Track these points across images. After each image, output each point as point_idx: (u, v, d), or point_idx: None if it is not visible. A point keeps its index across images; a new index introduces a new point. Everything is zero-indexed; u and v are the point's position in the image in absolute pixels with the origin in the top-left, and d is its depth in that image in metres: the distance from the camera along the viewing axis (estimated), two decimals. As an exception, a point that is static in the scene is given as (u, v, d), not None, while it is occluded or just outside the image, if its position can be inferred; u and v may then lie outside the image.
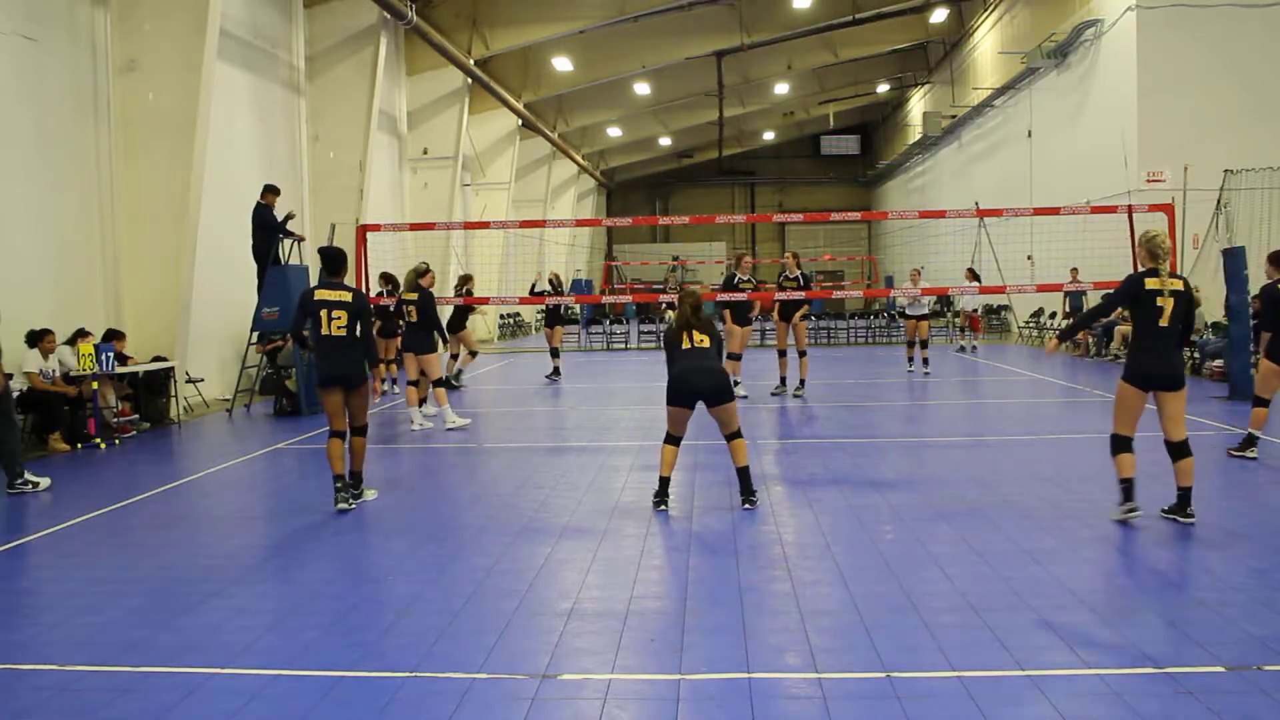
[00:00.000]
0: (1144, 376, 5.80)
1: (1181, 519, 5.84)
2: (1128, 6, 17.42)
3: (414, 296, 10.47)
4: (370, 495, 7.06)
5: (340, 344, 6.68)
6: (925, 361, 15.19)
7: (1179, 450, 5.86)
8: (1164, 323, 5.71)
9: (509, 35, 22.97)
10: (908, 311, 15.63)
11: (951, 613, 4.42)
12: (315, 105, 17.53)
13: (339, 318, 6.66)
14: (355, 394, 6.73)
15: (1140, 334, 5.82)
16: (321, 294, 6.73)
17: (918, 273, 16.56)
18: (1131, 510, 5.79)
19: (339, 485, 6.70)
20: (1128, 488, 5.81)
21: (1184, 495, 5.88)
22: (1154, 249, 5.78)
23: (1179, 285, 5.77)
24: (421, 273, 10.66)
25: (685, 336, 6.55)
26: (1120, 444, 5.86)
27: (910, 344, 15.62)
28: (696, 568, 5.23)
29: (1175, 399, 5.83)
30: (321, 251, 7.14)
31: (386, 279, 13.25)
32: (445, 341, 11.13)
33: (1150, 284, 5.73)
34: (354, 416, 6.83)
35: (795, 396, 12.38)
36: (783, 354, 12.84)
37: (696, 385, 6.37)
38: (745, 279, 12.10)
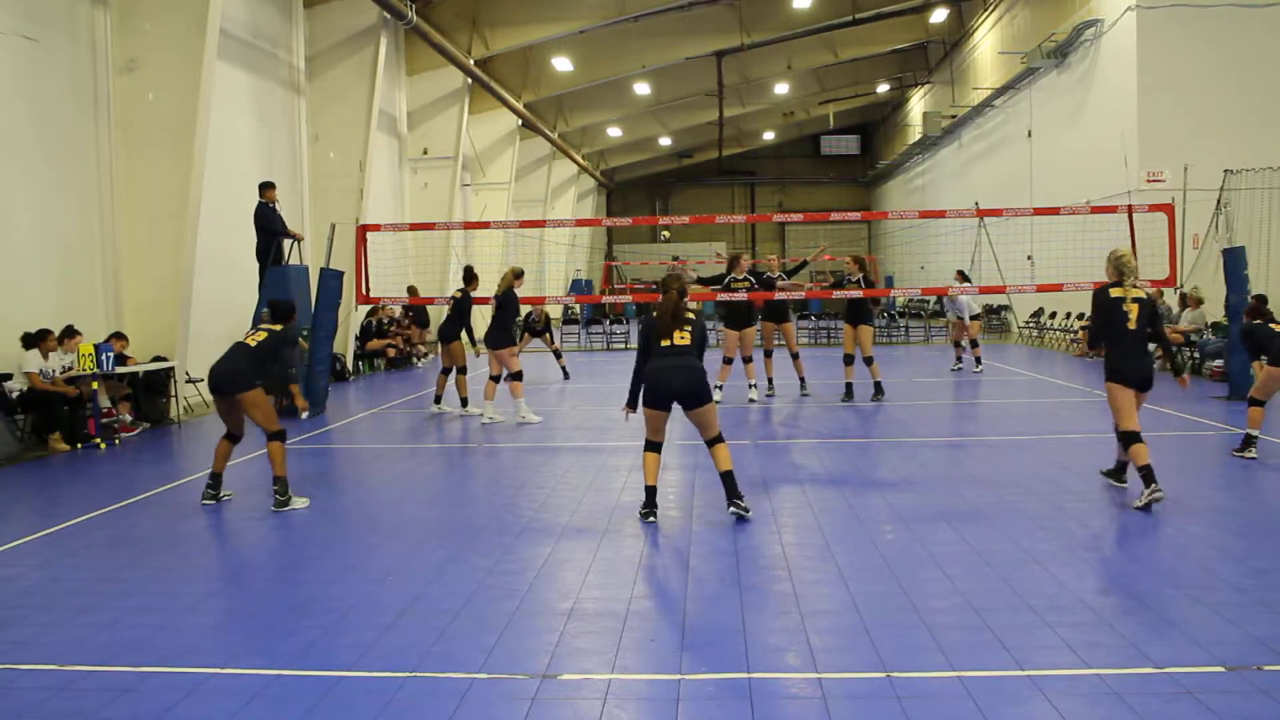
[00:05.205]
0: (1125, 373, 6.45)
1: (1117, 484, 6.83)
2: (1128, 6, 17.42)
3: (499, 294, 10.92)
4: (299, 504, 6.88)
5: (241, 351, 7.01)
6: (978, 360, 15.39)
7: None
8: (1132, 326, 6.44)
9: (509, 35, 22.95)
10: (953, 314, 15.72)
11: (951, 613, 4.42)
12: (315, 105, 17.51)
13: (259, 335, 7.11)
14: (242, 403, 6.87)
15: (1115, 337, 6.52)
16: (262, 325, 7.38)
17: (961, 274, 16.44)
18: (1155, 493, 6.14)
19: (209, 481, 7.10)
20: (1148, 473, 6.20)
21: (1122, 465, 6.84)
22: (1120, 266, 6.58)
23: (1141, 294, 6.54)
24: (517, 274, 11.13)
25: (665, 330, 6.17)
26: (1130, 437, 6.38)
27: (958, 344, 15.94)
28: (696, 568, 5.24)
29: (1143, 397, 6.55)
30: (270, 303, 7.71)
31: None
32: (513, 342, 11.35)
33: (1115, 292, 6.52)
34: (260, 425, 6.96)
35: (803, 396, 12.38)
36: (769, 354, 12.76)
37: (672, 385, 6.05)
38: (741, 279, 11.75)
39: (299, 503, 6.92)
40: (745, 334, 11.89)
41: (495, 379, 11.05)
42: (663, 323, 6.21)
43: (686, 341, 6.19)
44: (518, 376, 10.89)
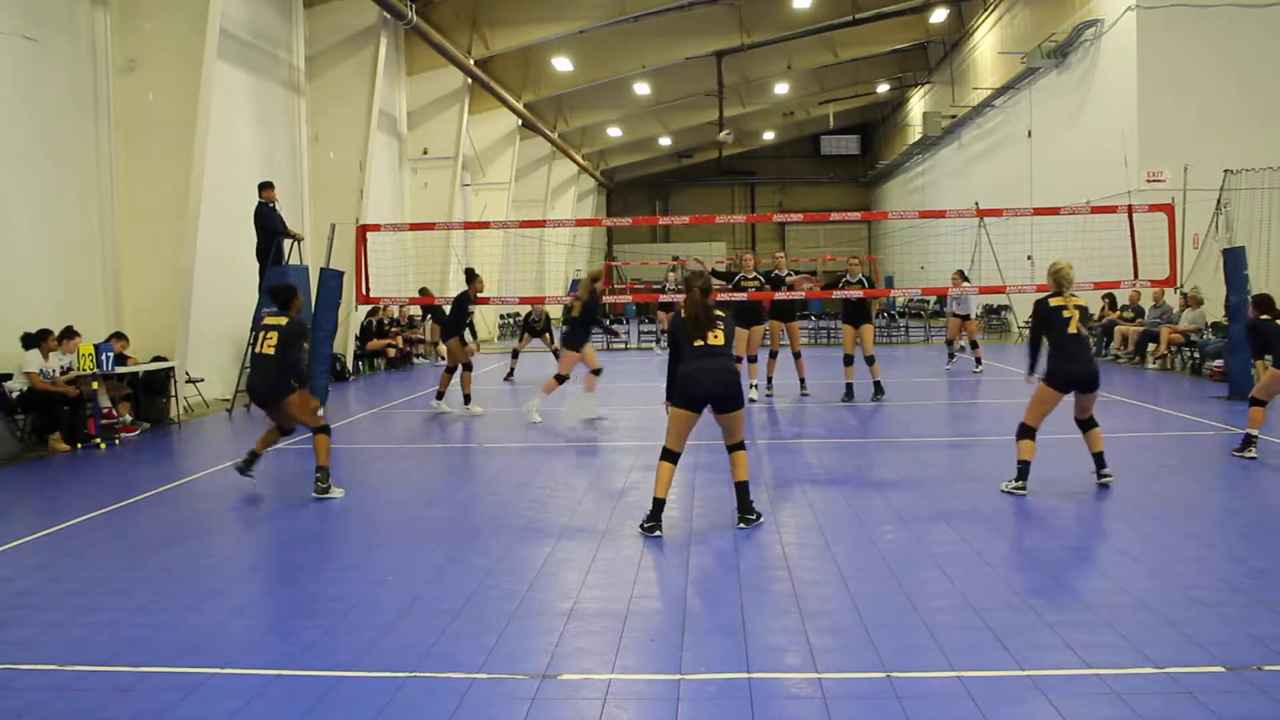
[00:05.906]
0: (1064, 378, 6.73)
1: (1107, 479, 6.88)
2: (1128, 6, 17.42)
3: (586, 300, 10.98)
4: (338, 493, 7.16)
5: (266, 363, 7.16)
6: (978, 361, 15.46)
7: (1088, 424, 6.96)
8: (1073, 330, 6.73)
9: (509, 35, 22.95)
10: (957, 311, 15.90)
11: (951, 613, 4.42)
12: (315, 105, 17.51)
13: (270, 339, 7.18)
14: (286, 408, 7.17)
15: (1056, 343, 6.77)
16: (266, 320, 7.39)
17: (960, 274, 16.59)
18: (1021, 488, 6.70)
19: (247, 456, 7.43)
20: (1025, 469, 6.76)
21: (1099, 458, 6.94)
22: (1059, 279, 6.90)
23: (1080, 302, 6.88)
24: (595, 278, 11.18)
25: (697, 330, 5.91)
26: (1026, 432, 6.84)
27: (950, 341, 16.21)
28: (697, 567, 5.24)
29: (1091, 397, 6.86)
30: (270, 289, 7.74)
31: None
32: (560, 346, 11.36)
33: (1054, 301, 6.84)
34: (305, 425, 7.24)
35: (803, 396, 12.39)
36: (774, 355, 12.78)
37: (708, 387, 5.79)
38: (750, 277, 11.88)
39: (337, 491, 7.17)
40: (754, 332, 12.08)
41: (595, 372, 11.15)
42: (694, 322, 5.93)
43: (720, 341, 5.92)
44: (560, 379, 10.86)
